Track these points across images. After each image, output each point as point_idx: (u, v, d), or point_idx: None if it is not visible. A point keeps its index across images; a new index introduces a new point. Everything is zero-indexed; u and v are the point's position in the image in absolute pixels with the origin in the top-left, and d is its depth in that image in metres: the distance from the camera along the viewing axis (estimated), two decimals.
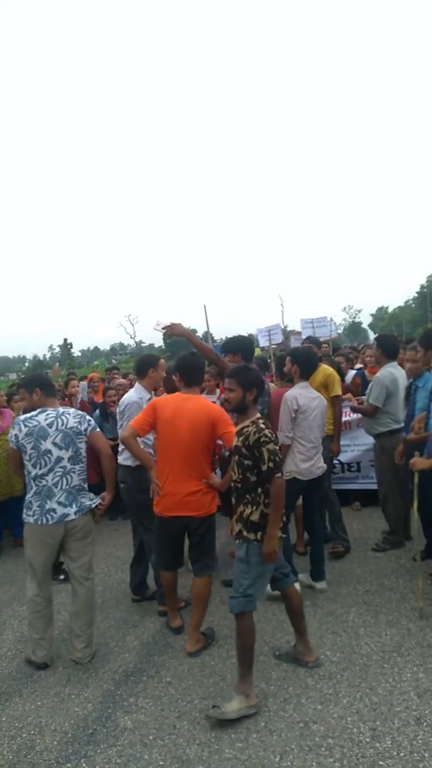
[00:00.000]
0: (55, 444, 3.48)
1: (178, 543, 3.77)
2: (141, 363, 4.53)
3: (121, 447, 4.10)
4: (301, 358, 4.32)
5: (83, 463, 3.64)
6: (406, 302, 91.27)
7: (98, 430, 3.75)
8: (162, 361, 4.50)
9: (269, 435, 2.99)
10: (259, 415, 3.15)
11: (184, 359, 3.80)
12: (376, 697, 2.99)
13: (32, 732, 2.99)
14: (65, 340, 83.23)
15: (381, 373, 4.97)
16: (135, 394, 4.29)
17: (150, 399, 4.14)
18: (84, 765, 2.70)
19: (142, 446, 3.79)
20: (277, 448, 3.01)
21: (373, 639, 3.56)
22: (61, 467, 3.51)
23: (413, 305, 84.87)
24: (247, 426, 3.06)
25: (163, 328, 4.18)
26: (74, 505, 3.54)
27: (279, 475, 2.96)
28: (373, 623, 3.76)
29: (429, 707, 2.87)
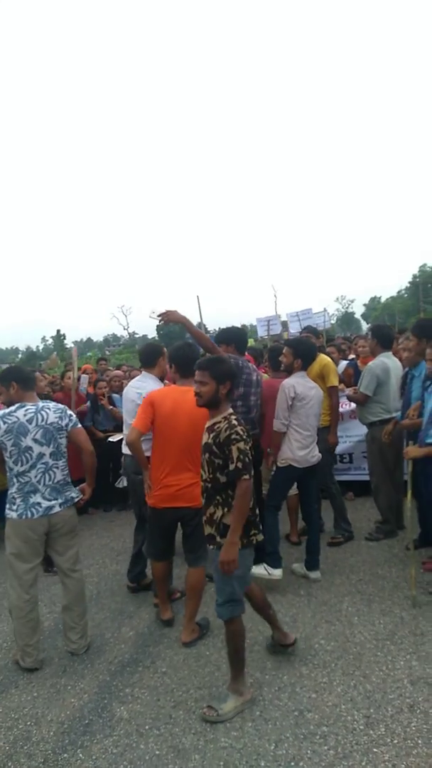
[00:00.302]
0: (35, 440, 3.41)
1: (170, 534, 3.77)
2: (149, 353, 4.48)
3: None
4: (302, 348, 4.32)
5: (65, 458, 3.59)
6: (398, 292, 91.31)
7: (79, 425, 3.67)
8: (165, 349, 4.49)
9: (240, 432, 2.83)
10: (231, 410, 3.00)
11: (180, 350, 3.79)
12: (370, 685, 3.02)
13: (28, 723, 3.00)
14: (58, 331, 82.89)
15: (373, 362, 4.99)
16: (153, 383, 4.27)
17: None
18: (80, 755, 2.71)
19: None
20: (248, 447, 2.85)
21: (367, 627, 3.59)
22: (43, 463, 3.45)
23: (406, 295, 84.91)
24: (219, 422, 2.92)
25: (159, 316, 4.13)
26: (60, 498, 3.51)
27: (246, 476, 2.79)
28: (366, 612, 3.79)
29: (422, 694, 2.91)
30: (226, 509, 2.87)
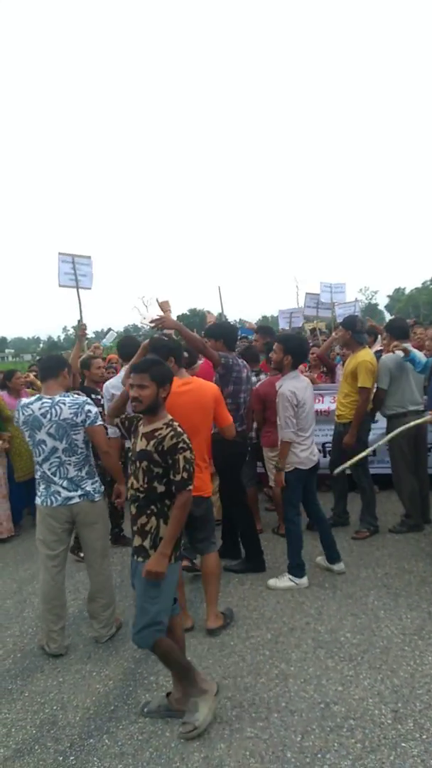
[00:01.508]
0: (49, 434, 3.38)
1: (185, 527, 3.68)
2: (131, 347, 4.47)
3: None
4: (297, 349, 4.15)
5: (80, 455, 3.48)
6: (423, 283, 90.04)
7: (98, 423, 3.50)
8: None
9: (187, 441, 2.70)
10: (171, 416, 2.83)
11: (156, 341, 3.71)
12: (398, 680, 2.98)
13: (54, 708, 3.03)
14: (79, 321, 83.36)
15: (386, 356, 4.95)
16: None
17: None
18: (106, 741, 2.73)
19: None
20: (193, 456, 2.74)
21: (394, 622, 3.54)
22: (56, 458, 3.42)
23: (431, 286, 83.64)
24: (160, 429, 2.73)
25: (152, 322, 4.03)
26: (78, 490, 3.47)
27: (190, 488, 2.68)
28: (393, 606, 3.74)
29: None
30: (161, 520, 2.71)
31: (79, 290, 6.53)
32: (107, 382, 4.43)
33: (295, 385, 4.08)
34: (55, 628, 3.50)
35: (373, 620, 3.58)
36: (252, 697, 2.94)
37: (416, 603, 3.75)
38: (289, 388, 4.04)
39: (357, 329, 5.12)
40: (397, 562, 4.42)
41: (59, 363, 3.67)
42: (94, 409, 3.50)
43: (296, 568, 4.15)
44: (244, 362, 4.53)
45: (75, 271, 6.49)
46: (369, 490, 5.05)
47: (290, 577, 4.14)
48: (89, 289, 6.64)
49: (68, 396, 3.48)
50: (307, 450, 4.16)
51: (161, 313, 4.07)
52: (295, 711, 2.80)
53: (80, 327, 6.23)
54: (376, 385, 4.96)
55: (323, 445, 6.12)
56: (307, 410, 4.15)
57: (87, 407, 3.45)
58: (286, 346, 4.13)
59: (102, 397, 4.82)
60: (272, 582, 4.15)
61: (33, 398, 3.48)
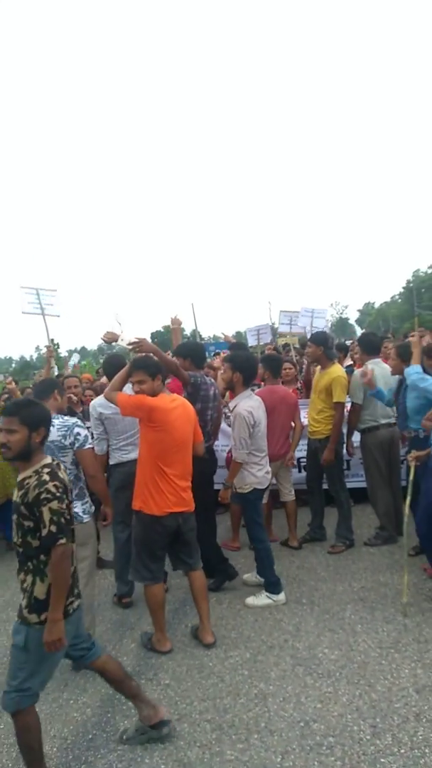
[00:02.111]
0: None
1: (165, 548, 3.67)
2: (117, 365, 4.39)
3: None
4: (244, 365, 4.18)
5: (69, 475, 3.34)
6: (392, 297, 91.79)
7: (87, 446, 3.50)
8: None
9: (53, 490, 2.42)
10: (46, 460, 2.59)
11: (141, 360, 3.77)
12: (375, 694, 3.00)
13: None
14: (52, 340, 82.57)
15: (359, 371, 5.03)
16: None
17: None
18: None
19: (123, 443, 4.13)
20: (63, 506, 2.46)
21: (370, 636, 3.57)
22: None
23: (399, 300, 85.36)
24: (29, 477, 2.49)
25: (129, 344, 4.07)
26: None
27: (63, 541, 2.41)
28: (369, 620, 3.77)
29: (428, 703, 2.89)
30: (37, 577, 2.46)
31: (46, 317, 6.74)
32: (93, 401, 4.42)
33: (251, 404, 4.11)
34: None
35: (351, 635, 3.61)
36: (231, 718, 2.93)
37: (392, 616, 3.78)
38: (245, 407, 4.05)
39: (328, 345, 5.21)
40: (373, 575, 4.46)
41: (51, 385, 3.72)
42: (84, 432, 3.49)
43: (272, 585, 4.16)
44: (212, 380, 4.58)
45: (39, 301, 6.74)
46: (346, 504, 5.10)
47: (267, 594, 4.14)
48: (57, 316, 6.90)
49: (58, 418, 3.48)
50: (263, 469, 4.22)
51: (139, 336, 4.12)
52: (275, 731, 2.80)
53: (48, 349, 6.28)
54: (350, 400, 5.04)
55: (298, 460, 6.17)
56: (262, 430, 4.20)
57: (76, 429, 3.45)
58: (234, 363, 4.18)
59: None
60: (250, 600, 4.15)
61: None
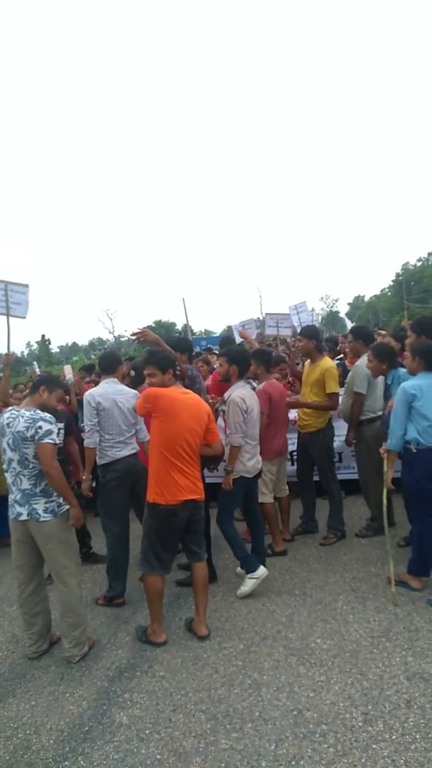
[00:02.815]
0: (8, 445, 3.48)
1: (179, 536, 3.72)
2: (113, 359, 4.61)
3: None
4: (239, 357, 4.37)
5: (32, 469, 3.47)
6: (382, 290, 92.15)
7: (45, 440, 3.40)
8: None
9: None
10: None
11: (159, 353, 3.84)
12: (367, 682, 3.05)
13: (28, 732, 2.99)
14: (43, 336, 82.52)
15: (362, 361, 5.01)
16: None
17: None
18: (81, 762, 2.71)
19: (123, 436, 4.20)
20: None
21: (362, 625, 3.63)
22: (12, 468, 3.51)
23: (389, 293, 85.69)
24: None
25: (133, 335, 4.21)
26: (26, 507, 3.49)
27: None
28: (361, 610, 3.82)
29: (418, 690, 2.94)
30: None
31: (10, 318, 6.12)
32: (92, 390, 4.43)
33: (243, 392, 4.25)
34: (28, 632, 3.70)
35: (343, 625, 3.66)
36: (226, 708, 2.97)
37: (383, 605, 3.84)
38: (238, 394, 4.20)
39: (319, 338, 5.25)
40: (364, 566, 4.52)
41: (40, 381, 3.75)
42: (47, 426, 3.42)
43: (245, 562, 4.24)
44: (198, 373, 4.69)
45: (7, 299, 6.08)
46: (337, 496, 5.15)
47: (248, 576, 4.21)
48: (23, 318, 6.27)
49: (30, 410, 3.51)
50: (253, 459, 4.30)
51: (141, 327, 4.23)
52: (269, 720, 2.84)
53: (5, 357, 5.97)
54: (353, 391, 5.03)
55: (291, 453, 6.22)
56: (254, 418, 4.28)
57: (39, 423, 3.41)
58: (229, 357, 4.35)
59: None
60: (240, 591, 4.20)
61: (9, 408, 3.64)
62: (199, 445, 3.68)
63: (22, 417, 3.46)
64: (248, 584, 4.18)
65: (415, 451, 3.89)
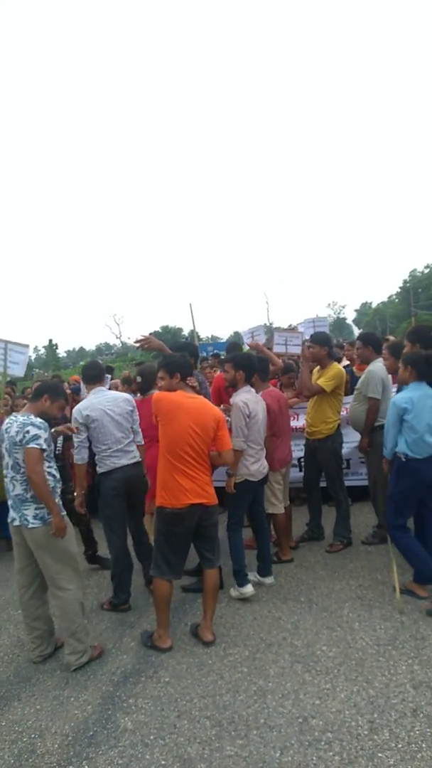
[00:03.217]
0: (6, 449, 3.54)
1: (189, 541, 3.70)
2: (99, 368, 4.57)
3: None
4: (245, 363, 4.35)
5: (23, 473, 3.47)
6: (389, 297, 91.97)
7: (31, 445, 3.39)
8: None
9: None
10: None
11: (168, 356, 3.87)
12: (373, 690, 3.03)
13: (33, 735, 2.99)
14: (50, 340, 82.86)
15: (375, 366, 4.97)
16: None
17: None
18: (86, 767, 2.71)
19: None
20: None
21: (368, 633, 3.61)
22: (7, 472, 3.56)
23: (396, 300, 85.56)
24: None
25: (136, 342, 4.26)
26: (17, 512, 3.52)
27: None
28: (367, 617, 3.81)
29: (425, 698, 2.92)
30: None
31: (6, 375, 6.32)
32: (78, 405, 4.35)
33: (247, 397, 4.24)
34: (31, 636, 3.72)
35: (349, 632, 3.64)
36: (231, 715, 2.96)
37: (389, 613, 3.82)
38: (241, 399, 4.20)
39: (331, 345, 5.26)
40: (371, 573, 4.50)
41: (44, 389, 3.72)
42: (34, 431, 3.42)
43: (239, 577, 4.25)
44: (203, 378, 4.70)
45: (6, 358, 6.22)
46: (344, 503, 5.14)
47: (238, 588, 4.26)
48: (19, 376, 6.47)
49: (25, 416, 3.54)
50: (258, 462, 4.29)
51: (145, 334, 4.31)
52: (274, 727, 2.83)
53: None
54: (367, 396, 4.98)
55: (298, 460, 6.21)
56: (259, 423, 4.28)
57: (28, 427, 3.43)
58: (235, 362, 4.34)
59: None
60: (231, 591, 4.31)
61: (13, 414, 3.69)
62: (205, 449, 3.64)
63: (16, 422, 3.52)
64: (234, 594, 4.28)
65: (404, 460, 3.92)
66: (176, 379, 3.68)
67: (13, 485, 3.53)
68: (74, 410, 4.31)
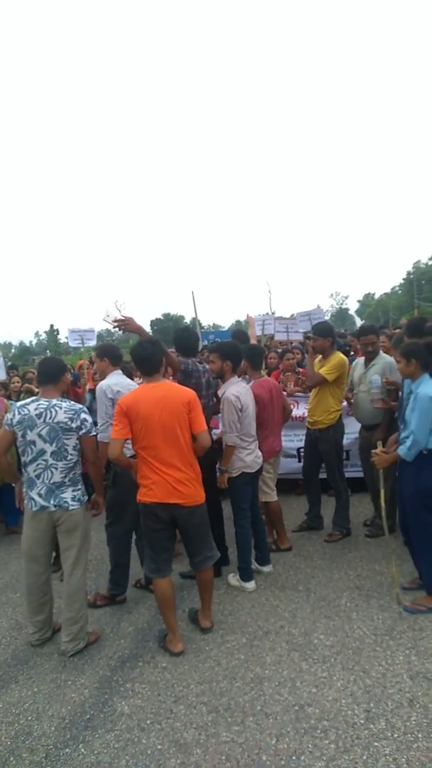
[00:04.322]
0: (40, 436, 3.42)
1: (168, 540, 3.54)
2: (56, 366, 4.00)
3: None
4: (231, 353, 4.25)
5: (69, 460, 3.50)
6: (392, 288, 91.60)
7: (92, 433, 3.55)
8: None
9: None
10: None
11: (138, 347, 3.51)
12: (370, 680, 3.04)
13: (30, 718, 3.00)
14: (51, 326, 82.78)
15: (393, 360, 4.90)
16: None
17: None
18: (82, 750, 2.72)
19: None
20: None
21: (366, 623, 3.61)
22: (43, 460, 3.46)
23: (399, 291, 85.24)
24: None
25: (114, 322, 3.86)
26: (53, 500, 3.48)
27: None
28: (365, 607, 3.81)
29: (421, 689, 2.93)
30: None
31: None
32: (106, 382, 4.16)
33: (238, 389, 4.17)
34: (33, 619, 3.70)
35: (346, 622, 3.65)
36: (227, 701, 2.97)
37: (387, 604, 3.82)
38: (232, 392, 4.11)
39: (334, 335, 5.20)
40: (369, 564, 4.50)
41: (60, 368, 3.67)
42: (90, 419, 3.55)
43: (243, 572, 4.26)
44: (205, 368, 4.47)
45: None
46: (344, 494, 5.13)
47: (238, 578, 4.27)
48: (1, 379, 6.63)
49: (65, 401, 3.54)
50: (252, 454, 4.25)
51: (126, 315, 3.93)
52: (270, 714, 2.84)
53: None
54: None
55: (298, 450, 6.20)
56: (250, 415, 4.23)
57: (83, 415, 3.52)
58: (222, 352, 4.24)
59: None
60: (229, 578, 4.34)
61: (30, 399, 3.56)
62: (182, 439, 3.39)
63: (60, 408, 3.45)
64: (233, 582, 4.32)
65: (426, 453, 3.61)
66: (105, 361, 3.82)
67: (51, 472, 3.46)
68: (103, 386, 4.12)
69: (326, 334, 5.10)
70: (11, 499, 3.82)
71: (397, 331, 8.20)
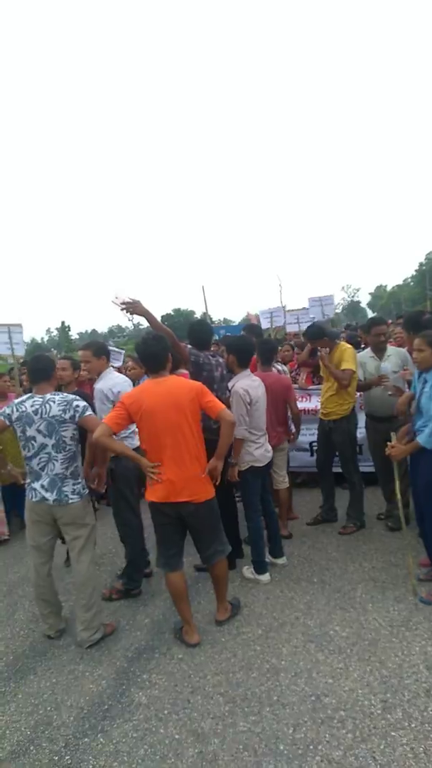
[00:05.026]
0: (39, 431, 3.48)
1: (178, 535, 3.53)
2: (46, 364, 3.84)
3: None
4: (237, 346, 4.24)
5: (68, 450, 3.55)
6: (404, 280, 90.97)
7: (88, 413, 3.55)
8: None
9: None
10: None
11: (142, 343, 3.47)
12: (386, 671, 3.04)
13: (48, 708, 3.04)
14: (63, 322, 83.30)
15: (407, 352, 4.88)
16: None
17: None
18: (101, 739, 2.75)
19: None
20: None
21: (381, 614, 3.61)
22: (45, 453, 3.52)
23: (412, 283, 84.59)
24: None
25: (122, 304, 3.81)
26: (54, 493, 3.52)
27: None
28: (380, 599, 3.80)
29: None
30: None
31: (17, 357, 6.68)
32: (108, 382, 4.19)
33: (248, 383, 4.17)
34: (44, 611, 3.76)
35: (362, 613, 3.64)
36: (244, 692, 2.98)
37: (403, 595, 3.81)
38: (242, 386, 4.12)
39: (327, 332, 5.13)
40: (384, 555, 4.49)
41: (50, 364, 3.75)
42: (82, 403, 3.58)
43: (257, 565, 4.28)
44: (218, 361, 4.45)
45: (11, 339, 6.76)
46: (359, 486, 5.12)
47: (252, 570, 4.30)
48: (21, 355, 6.85)
49: (57, 394, 3.60)
50: (261, 447, 4.25)
51: (134, 297, 3.87)
52: (287, 704, 2.85)
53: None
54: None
55: (310, 444, 6.18)
56: (260, 408, 4.24)
57: (75, 403, 3.55)
58: (228, 347, 4.29)
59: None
60: (244, 571, 4.37)
61: (25, 396, 3.61)
62: (188, 434, 3.34)
63: (54, 402, 3.51)
64: (248, 575, 4.34)
65: None
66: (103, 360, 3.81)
67: (53, 464, 3.52)
68: (104, 388, 4.17)
69: (319, 335, 5.09)
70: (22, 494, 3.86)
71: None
